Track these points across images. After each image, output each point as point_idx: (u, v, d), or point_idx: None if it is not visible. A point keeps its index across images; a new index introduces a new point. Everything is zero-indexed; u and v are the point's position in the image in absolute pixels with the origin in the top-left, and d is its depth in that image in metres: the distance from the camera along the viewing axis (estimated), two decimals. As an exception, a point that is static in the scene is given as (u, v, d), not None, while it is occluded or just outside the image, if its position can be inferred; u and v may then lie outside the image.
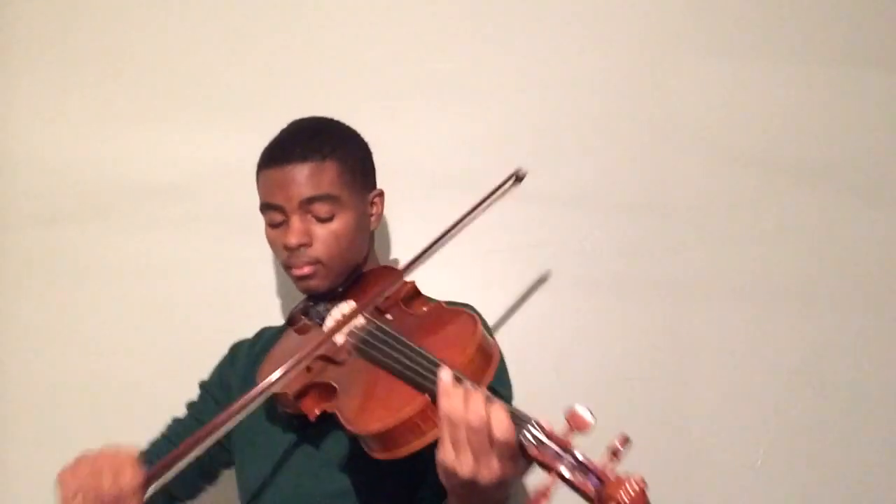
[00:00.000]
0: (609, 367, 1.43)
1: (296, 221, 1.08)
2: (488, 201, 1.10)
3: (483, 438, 0.73)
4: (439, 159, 1.48)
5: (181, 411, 1.28)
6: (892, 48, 1.49)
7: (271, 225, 1.12)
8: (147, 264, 1.49)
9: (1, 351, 1.49)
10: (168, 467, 0.88)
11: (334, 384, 0.95)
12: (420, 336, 0.93)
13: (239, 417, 0.92)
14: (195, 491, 1.22)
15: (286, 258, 1.11)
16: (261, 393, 0.94)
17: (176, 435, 1.20)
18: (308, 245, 1.09)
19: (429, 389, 0.82)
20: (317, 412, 0.98)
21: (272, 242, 1.13)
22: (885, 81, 1.48)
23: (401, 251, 1.47)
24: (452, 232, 1.10)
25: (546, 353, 1.44)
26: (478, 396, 0.75)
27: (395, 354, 0.90)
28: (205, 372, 1.43)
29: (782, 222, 1.47)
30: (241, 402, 0.92)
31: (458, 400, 0.75)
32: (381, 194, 1.22)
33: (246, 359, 1.23)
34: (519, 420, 0.76)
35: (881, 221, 1.47)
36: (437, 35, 1.50)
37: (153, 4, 1.54)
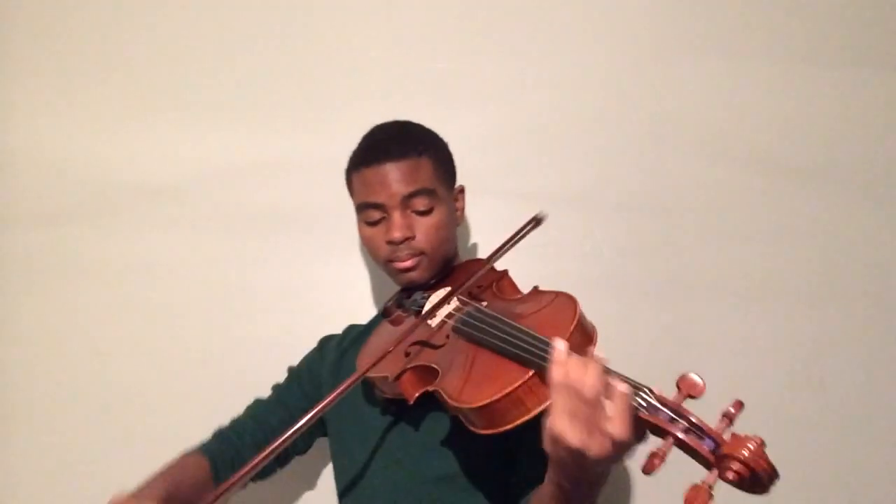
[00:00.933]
0: (608, 365, 1.44)
1: (397, 217, 1.12)
2: (508, 246, 1.14)
3: (600, 407, 0.75)
4: None
5: (181, 411, 1.29)
6: (893, 48, 1.54)
7: (368, 223, 1.16)
8: (147, 264, 1.48)
9: (1, 351, 1.46)
10: (245, 477, 0.91)
11: (435, 366, 0.97)
12: (520, 316, 0.96)
13: (327, 406, 0.93)
14: (268, 472, 1.22)
15: (388, 253, 1.15)
16: (359, 377, 0.96)
17: (261, 416, 1.21)
18: (412, 238, 1.13)
19: (535, 364, 0.84)
20: (416, 394, 1.00)
21: (370, 239, 1.17)
22: (887, 81, 1.52)
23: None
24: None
25: None
26: (595, 365, 0.77)
27: (498, 333, 0.92)
28: (206, 371, 1.44)
29: (783, 222, 1.48)
30: (338, 391, 0.94)
31: (576, 368, 0.77)
32: (463, 189, 1.27)
33: (335, 352, 1.26)
34: (632, 387, 0.78)
35: (882, 220, 1.49)
36: (436, 35, 1.51)
37: (153, 4, 1.53)
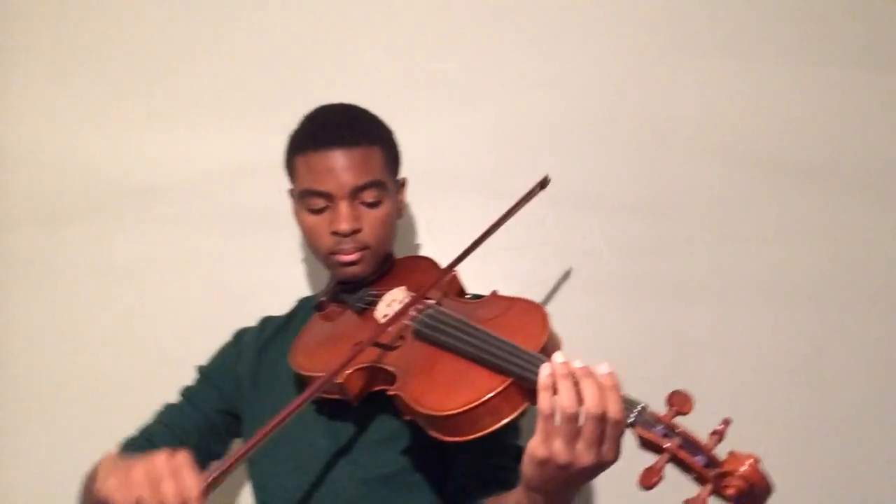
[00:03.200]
0: (610, 366, 1.46)
1: (345, 207, 1.07)
2: (517, 209, 1.13)
3: (597, 425, 0.74)
4: (442, 160, 1.48)
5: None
6: (894, 48, 1.54)
7: (311, 210, 1.10)
8: (146, 263, 1.47)
9: (1, 350, 1.45)
10: (226, 472, 0.82)
11: (391, 369, 0.94)
12: (485, 321, 0.94)
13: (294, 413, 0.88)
14: None
15: (332, 244, 1.09)
16: (328, 381, 0.91)
17: (174, 422, 1.14)
18: (358, 231, 1.09)
19: (512, 373, 0.82)
20: (362, 396, 0.97)
21: (312, 228, 1.11)
22: (890, 81, 1.52)
23: (407, 251, 1.46)
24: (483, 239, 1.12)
25: None
26: (591, 383, 0.75)
27: (468, 338, 0.89)
28: None
29: (784, 222, 1.48)
30: (307, 394, 0.88)
31: (572, 391, 0.75)
32: (405, 183, 1.24)
33: (253, 347, 1.20)
34: (628, 403, 0.78)
35: (883, 220, 1.49)
36: (440, 35, 1.51)
37: (153, 5, 1.52)
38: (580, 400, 0.74)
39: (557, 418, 0.75)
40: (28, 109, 1.50)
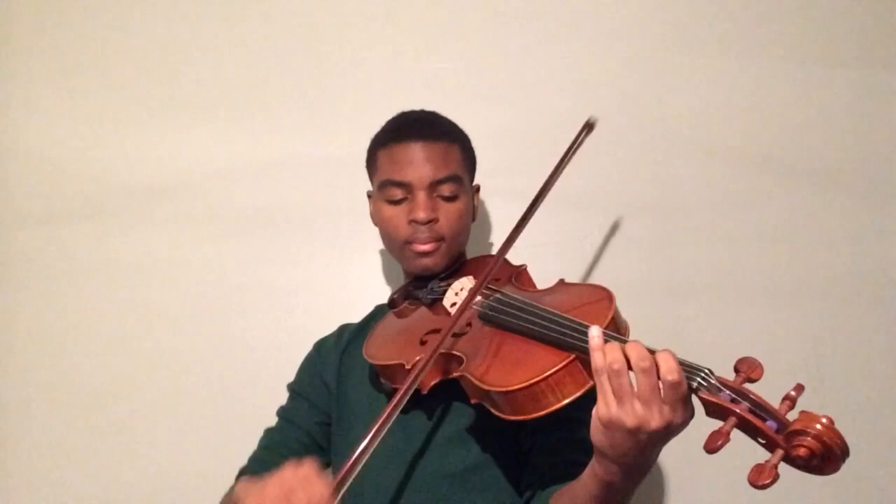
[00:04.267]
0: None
1: (423, 197, 1.10)
2: (569, 156, 1.14)
3: (653, 381, 0.74)
4: None
5: (179, 409, 1.27)
6: (894, 48, 1.54)
7: (390, 202, 1.13)
8: (146, 263, 1.47)
9: (1, 349, 1.45)
10: (350, 473, 0.82)
11: (458, 353, 0.94)
12: (552, 305, 0.93)
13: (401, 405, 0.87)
14: None
15: (409, 233, 1.11)
16: (419, 373, 0.90)
17: (278, 444, 1.16)
18: (435, 221, 1.11)
19: (576, 348, 0.82)
20: (431, 383, 0.96)
21: (390, 219, 1.13)
22: (889, 81, 1.51)
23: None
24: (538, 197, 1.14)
25: None
26: (637, 343, 0.77)
27: (531, 318, 0.90)
28: (204, 370, 1.42)
29: (785, 222, 1.47)
30: (405, 387, 0.87)
31: (618, 349, 0.76)
32: (478, 189, 1.26)
33: (334, 354, 1.22)
34: (690, 368, 0.77)
35: (884, 220, 1.48)
36: (439, 35, 1.51)
37: (152, 5, 1.53)
38: (631, 355, 0.75)
39: (608, 375, 0.75)
40: (29, 110, 1.50)
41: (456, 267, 1.19)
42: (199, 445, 1.35)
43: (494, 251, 1.37)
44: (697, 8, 1.53)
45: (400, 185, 1.11)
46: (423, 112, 1.22)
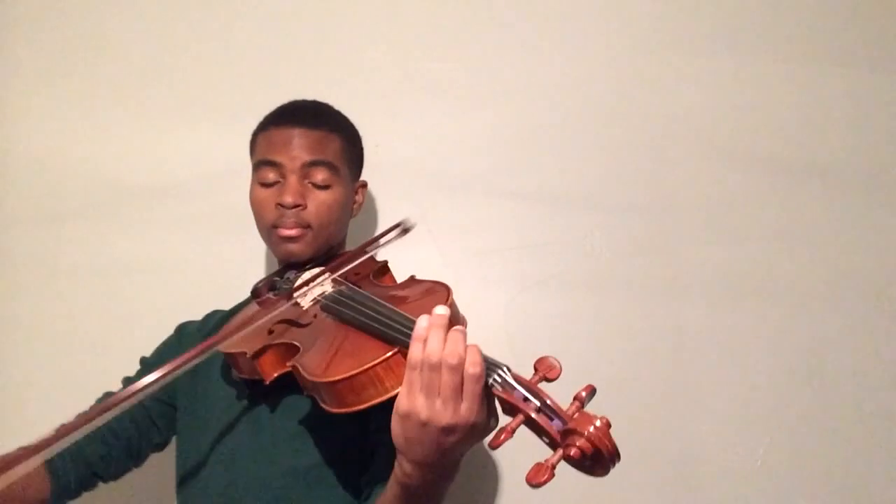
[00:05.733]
0: (610, 365, 1.42)
1: (293, 181, 1.09)
2: (379, 242, 1.12)
3: (456, 379, 0.74)
4: (440, 159, 1.49)
5: None
6: (894, 47, 1.50)
7: (263, 184, 1.12)
8: (146, 263, 1.50)
9: (0, 349, 1.48)
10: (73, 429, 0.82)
11: (296, 343, 0.95)
12: (392, 299, 0.95)
13: (168, 377, 0.88)
14: (120, 470, 1.14)
15: (275, 217, 1.10)
16: (214, 343, 0.93)
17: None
18: (303, 207, 1.10)
19: (400, 342, 0.83)
20: (274, 375, 0.97)
21: (260, 202, 1.12)
22: (890, 80, 1.50)
23: (401, 250, 1.49)
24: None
25: (547, 351, 1.42)
26: (457, 335, 0.76)
27: (366, 311, 0.91)
28: None
29: (783, 221, 1.47)
30: (180, 359, 0.90)
31: (438, 341, 0.76)
32: (365, 185, 1.25)
33: (195, 338, 1.20)
34: (490, 364, 0.78)
35: (884, 219, 1.47)
36: (439, 34, 1.52)
37: (152, 6, 1.55)
38: (445, 348, 0.75)
39: (420, 368, 0.75)
40: (27, 110, 1.51)
41: (325, 259, 1.16)
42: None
43: (485, 252, 1.41)
44: (693, 6, 1.51)
45: (272, 164, 1.10)
46: (312, 101, 1.21)
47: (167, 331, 1.36)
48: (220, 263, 1.50)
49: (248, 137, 1.23)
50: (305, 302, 1.05)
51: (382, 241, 1.11)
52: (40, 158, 1.51)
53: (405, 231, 1.13)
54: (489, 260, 1.46)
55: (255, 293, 1.17)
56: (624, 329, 1.44)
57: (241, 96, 1.52)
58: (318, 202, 1.11)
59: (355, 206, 1.23)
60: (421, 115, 1.50)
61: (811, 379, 1.42)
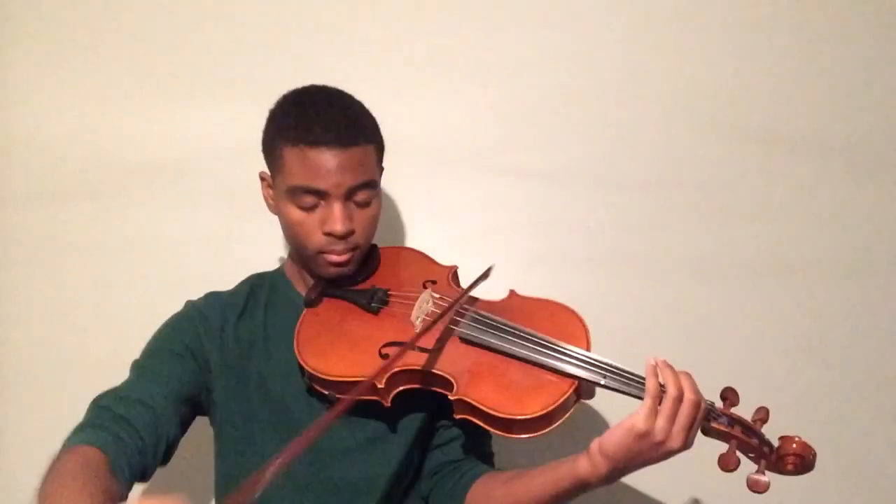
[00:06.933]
0: (612, 344, 1.39)
1: (340, 208, 1.03)
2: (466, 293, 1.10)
3: (694, 413, 0.89)
4: (445, 137, 1.47)
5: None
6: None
7: (301, 207, 1.05)
8: (149, 243, 1.45)
9: (1, 330, 1.41)
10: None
11: (443, 374, 0.98)
12: (530, 324, 1.02)
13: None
14: (147, 472, 0.98)
15: (323, 244, 1.05)
16: (370, 383, 0.96)
17: (146, 396, 1.00)
18: (352, 233, 1.06)
19: (573, 375, 0.94)
20: (390, 396, 1.01)
21: (301, 225, 1.05)
22: (893, 56, 1.51)
23: (408, 229, 1.48)
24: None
25: None
26: (689, 377, 0.92)
27: (522, 342, 0.99)
28: None
29: (786, 199, 1.48)
30: (349, 398, 0.86)
31: (675, 376, 0.90)
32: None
33: (216, 324, 1.11)
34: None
35: (886, 198, 1.49)
36: (442, 10, 1.46)
37: None
38: (685, 387, 0.90)
39: (665, 400, 0.88)
40: (29, 89, 1.44)
41: (372, 264, 1.16)
42: (200, 422, 1.26)
43: (492, 230, 1.41)
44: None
45: (314, 192, 1.03)
46: (335, 103, 1.09)
47: (170, 310, 1.26)
48: (223, 242, 1.44)
49: (253, 114, 1.14)
50: (419, 324, 1.05)
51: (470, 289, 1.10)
52: (39, 138, 1.44)
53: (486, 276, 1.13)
54: (492, 238, 1.48)
55: (311, 303, 1.11)
56: (629, 306, 1.47)
57: (244, 73, 1.42)
58: (365, 221, 1.08)
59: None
60: (425, 92, 1.46)
61: (815, 356, 1.47)
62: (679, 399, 0.89)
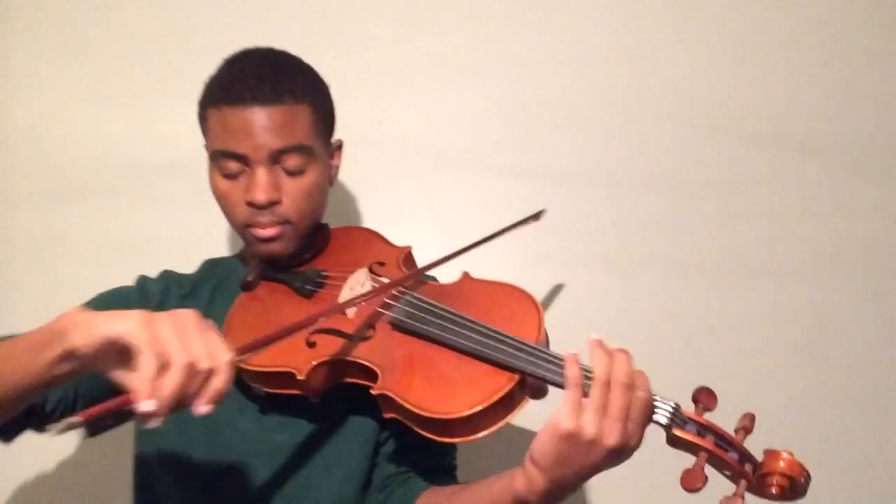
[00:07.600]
0: (612, 342, 1.45)
1: (263, 174, 0.94)
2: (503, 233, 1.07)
3: (628, 398, 0.73)
4: (443, 136, 1.45)
5: None
6: None
7: (225, 175, 0.96)
8: (149, 241, 1.44)
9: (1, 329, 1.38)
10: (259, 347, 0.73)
11: (368, 364, 0.86)
12: (472, 309, 0.88)
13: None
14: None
15: (247, 216, 0.96)
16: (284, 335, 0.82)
17: None
18: (278, 202, 0.96)
19: (518, 369, 0.79)
20: (322, 392, 0.90)
21: (225, 196, 0.97)
22: (893, 57, 1.49)
23: (402, 227, 1.41)
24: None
25: (549, 329, 1.44)
26: (625, 356, 0.75)
27: (461, 330, 0.84)
28: None
29: (786, 199, 1.47)
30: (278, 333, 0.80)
31: (604, 357, 0.74)
32: (341, 146, 1.11)
33: (157, 300, 1.05)
34: (660, 401, 0.77)
35: (887, 199, 1.48)
36: (441, 9, 1.46)
37: None
38: (616, 368, 0.74)
39: (592, 387, 0.73)
40: (29, 86, 1.45)
41: (320, 244, 1.06)
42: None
43: (491, 229, 1.31)
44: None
45: (234, 156, 0.94)
46: (265, 59, 1.01)
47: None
48: (226, 242, 1.44)
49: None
50: (351, 310, 0.94)
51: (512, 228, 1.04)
52: (41, 136, 1.45)
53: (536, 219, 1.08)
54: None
55: (247, 286, 1.02)
56: (626, 306, 1.44)
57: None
58: (294, 193, 0.96)
59: (333, 172, 1.08)
60: (424, 91, 1.46)
61: (815, 357, 1.44)
62: (607, 384, 0.73)
